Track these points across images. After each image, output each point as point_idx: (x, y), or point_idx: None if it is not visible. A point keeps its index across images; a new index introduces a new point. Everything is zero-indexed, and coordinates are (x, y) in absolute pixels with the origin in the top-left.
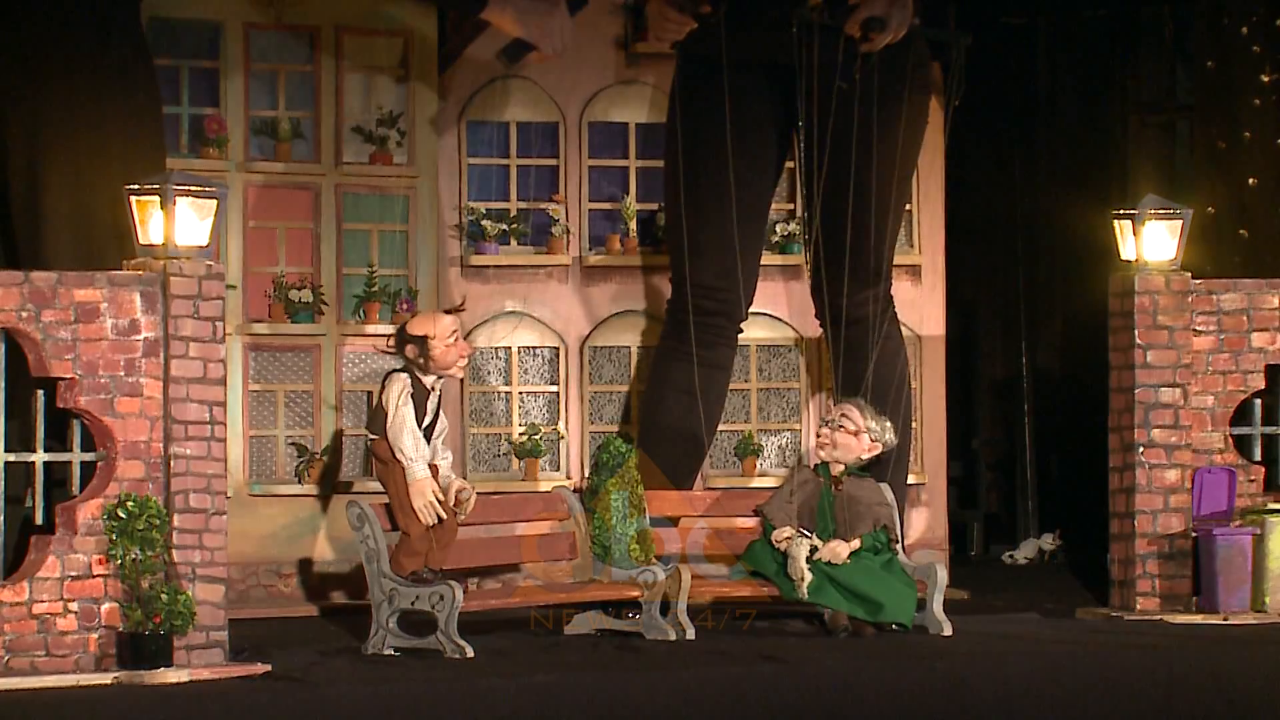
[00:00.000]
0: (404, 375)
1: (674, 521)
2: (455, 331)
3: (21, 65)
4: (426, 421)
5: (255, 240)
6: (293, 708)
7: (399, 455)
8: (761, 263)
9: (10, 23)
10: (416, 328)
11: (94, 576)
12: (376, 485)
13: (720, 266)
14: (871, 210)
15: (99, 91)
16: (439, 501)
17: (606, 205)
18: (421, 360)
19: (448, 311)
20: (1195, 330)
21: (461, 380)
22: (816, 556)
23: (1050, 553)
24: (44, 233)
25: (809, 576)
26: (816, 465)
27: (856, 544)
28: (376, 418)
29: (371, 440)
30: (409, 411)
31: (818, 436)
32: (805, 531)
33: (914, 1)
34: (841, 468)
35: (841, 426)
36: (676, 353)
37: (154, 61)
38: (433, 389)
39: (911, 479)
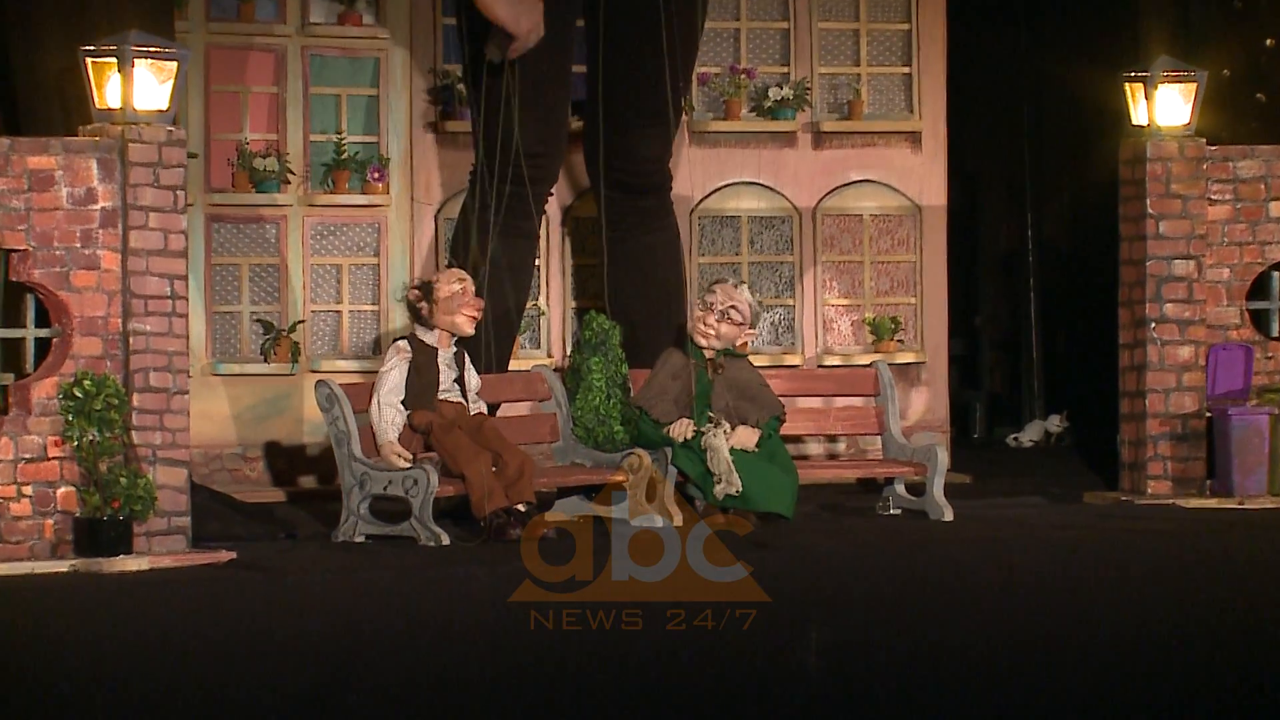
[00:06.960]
0: (400, 342)
1: None
2: (464, 281)
3: None
4: (444, 384)
5: (217, 105)
6: (259, 597)
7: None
8: (752, 130)
9: None
10: (424, 275)
11: (49, 459)
12: (346, 364)
13: (542, 134)
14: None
15: None
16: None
17: (583, 69)
18: (424, 308)
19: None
20: (1210, 199)
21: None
22: (731, 443)
23: (1057, 434)
24: None
25: (735, 476)
26: (686, 347)
27: (757, 433)
28: None
29: None
30: (389, 377)
31: (701, 324)
32: (718, 420)
33: None
34: (714, 352)
35: (728, 318)
36: (506, 229)
37: None
38: (446, 346)
39: (911, 357)
